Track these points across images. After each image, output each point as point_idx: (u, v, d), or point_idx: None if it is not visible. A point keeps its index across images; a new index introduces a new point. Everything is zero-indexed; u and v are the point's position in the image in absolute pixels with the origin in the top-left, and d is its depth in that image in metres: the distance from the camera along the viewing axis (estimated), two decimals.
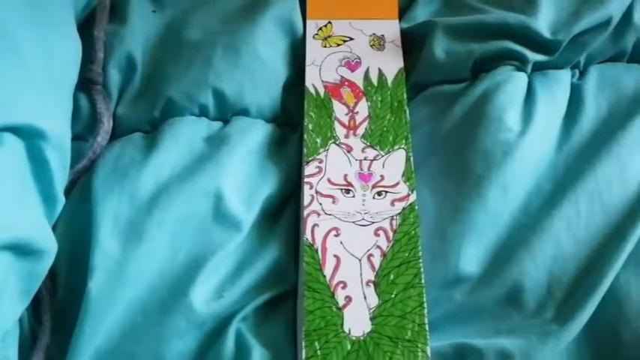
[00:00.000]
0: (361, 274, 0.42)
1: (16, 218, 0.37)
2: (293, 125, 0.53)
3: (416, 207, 0.45)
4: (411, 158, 0.47)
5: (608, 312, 0.42)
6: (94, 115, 0.51)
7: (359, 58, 0.54)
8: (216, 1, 0.57)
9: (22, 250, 0.38)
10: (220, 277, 0.44)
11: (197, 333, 0.42)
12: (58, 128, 0.42)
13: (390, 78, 0.52)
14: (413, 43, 0.55)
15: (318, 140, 0.49)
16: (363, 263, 0.42)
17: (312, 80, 0.52)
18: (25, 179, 0.40)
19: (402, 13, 0.57)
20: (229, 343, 0.41)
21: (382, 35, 0.55)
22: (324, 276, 0.42)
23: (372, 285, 0.42)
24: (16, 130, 0.39)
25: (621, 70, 0.52)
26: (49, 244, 0.40)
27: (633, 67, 0.52)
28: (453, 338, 0.42)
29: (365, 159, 0.47)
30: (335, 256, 0.43)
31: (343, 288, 0.42)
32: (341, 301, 0.41)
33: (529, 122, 0.48)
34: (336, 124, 0.50)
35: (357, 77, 0.53)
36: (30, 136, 0.39)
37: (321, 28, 0.56)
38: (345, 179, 0.46)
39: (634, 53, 0.53)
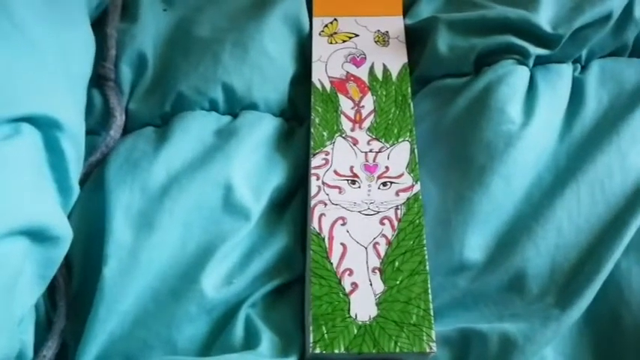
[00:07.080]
0: (367, 262, 0.43)
1: (32, 205, 0.38)
2: (300, 119, 0.54)
3: (420, 197, 0.46)
4: (415, 150, 0.48)
5: (609, 298, 0.43)
6: (106, 110, 0.52)
7: (364, 54, 0.55)
8: None
9: (38, 236, 0.39)
10: (230, 264, 0.45)
11: (207, 318, 0.43)
12: (73, 120, 0.43)
13: (394, 73, 0.53)
14: (417, 38, 0.56)
15: (325, 133, 0.50)
16: (369, 251, 0.43)
17: (319, 76, 0.54)
18: (42, 168, 0.41)
19: (406, 9, 0.58)
20: (239, 328, 0.42)
21: (386, 31, 0.56)
22: (331, 263, 0.43)
23: (377, 272, 0.43)
24: (33, 121, 0.40)
25: (622, 64, 0.53)
26: (65, 231, 0.41)
27: (634, 61, 0.53)
28: (457, 323, 0.43)
29: (370, 151, 0.49)
30: (341, 244, 0.44)
31: (349, 275, 0.43)
32: (347, 288, 0.42)
33: (531, 114, 0.48)
34: (342, 118, 0.51)
35: (363, 72, 0.54)
36: (47, 127, 0.41)
37: (327, 25, 0.57)
38: (351, 170, 0.47)
39: (635, 48, 0.54)
